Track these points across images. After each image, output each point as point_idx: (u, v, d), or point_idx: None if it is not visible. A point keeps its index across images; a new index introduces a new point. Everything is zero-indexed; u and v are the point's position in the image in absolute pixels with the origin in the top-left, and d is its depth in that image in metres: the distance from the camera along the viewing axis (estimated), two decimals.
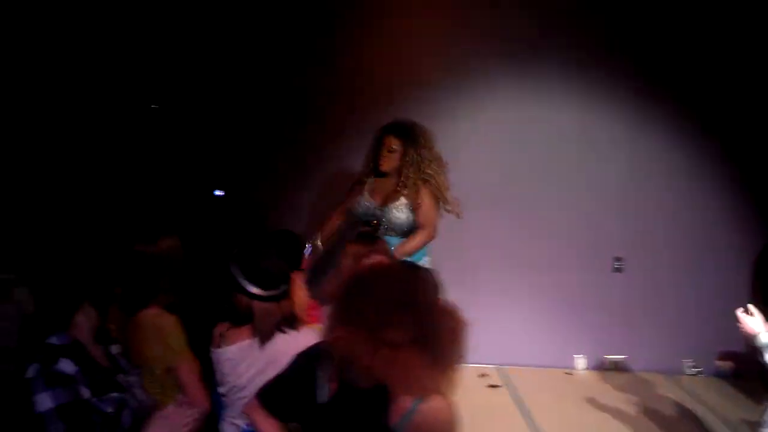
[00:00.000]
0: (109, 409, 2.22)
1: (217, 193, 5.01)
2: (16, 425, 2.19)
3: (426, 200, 4.07)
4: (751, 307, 3.02)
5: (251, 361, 2.72)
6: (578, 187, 5.09)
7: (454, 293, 2.02)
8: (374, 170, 4.20)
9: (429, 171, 4.09)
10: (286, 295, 2.76)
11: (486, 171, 5.09)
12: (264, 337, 2.72)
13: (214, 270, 3.19)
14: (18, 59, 4.49)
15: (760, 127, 4.97)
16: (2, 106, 4.38)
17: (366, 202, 4.18)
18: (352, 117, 4.94)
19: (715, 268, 5.06)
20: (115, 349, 2.52)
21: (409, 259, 3.65)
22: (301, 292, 3.23)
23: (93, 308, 2.35)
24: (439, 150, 4.18)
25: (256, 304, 2.71)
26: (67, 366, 2.16)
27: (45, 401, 2.11)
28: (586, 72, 4.99)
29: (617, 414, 4.35)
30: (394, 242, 4.01)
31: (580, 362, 5.22)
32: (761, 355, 2.88)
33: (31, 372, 2.15)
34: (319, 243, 4.27)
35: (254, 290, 2.69)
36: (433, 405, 1.88)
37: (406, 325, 1.79)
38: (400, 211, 4.07)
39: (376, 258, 3.01)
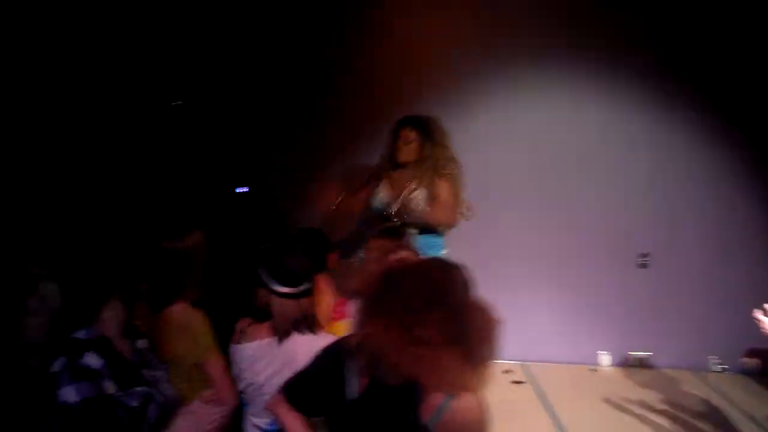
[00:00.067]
0: (134, 404, 2.19)
1: (240, 189, 5.00)
2: (42, 419, 2.17)
3: (444, 188, 4.04)
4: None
5: (269, 360, 2.69)
6: (604, 183, 5.01)
7: (478, 289, 1.97)
8: (391, 162, 4.18)
9: (445, 164, 4.07)
10: (307, 294, 2.72)
11: (510, 169, 5.05)
12: (281, 334, 2.68)
13: (239, 265, 3.17)
14: (49, 57, 4.50)
15: None
16: (34, 103, 4.40)
17: (382, 194, 4.16)
18: (372, 115, 4.87)
19: (742, 265, 4.96)
20: (141, 343, 2.49)
21: (427, 251, 3.60)
22: (327, 297, 3.19)
23: (120, 303, 2.33)
24: (455, 150, 4.15)
25: (275, 300, 2.68)
26: (92, 360, 2.13)
27: (69, 395, 2.08)
28: (612, 68, 4.91)
29: (641, 411, 4.27)
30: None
31: (605, 359, 5.15)
32: None
33: (56, 366, 2.12)
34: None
35: (273, 285, 2.66)
36: (463, 403, 1.84)
37: (438, 322, 1.75)
38: (417, 201, 4.03)
39: (401, 253, 2.97)
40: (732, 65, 4.83)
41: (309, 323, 2.72)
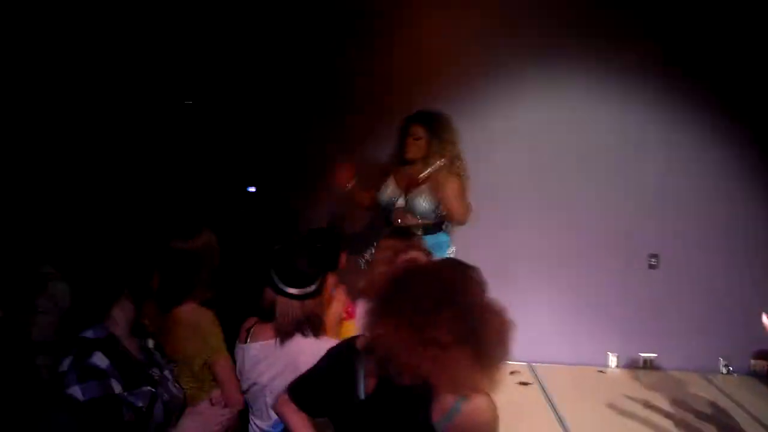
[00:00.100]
0: (141, 404, 2.17)
1: (250, 189, 4.99)
2: (49, 418, 2.16)
3: (452, 186, 4.01)
4: None
5: (272, 361, 2.68)
6: (614, 184, 4.99)
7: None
8: (399, 158, 4.17)
9: (453, 161, 4.06)
10: (313, 296, 2.70)
11: (520, 169, 5.03)
12: (283, 335, 2.67)
13: (249, 265, 3.16)
14: (61, 57, 4.50)
15: None
16: (46, 102, 4.41)
17: (389, 190, 4.14)
18: (381, 114, 4.86)
19: (751, 267, 4.92)
20: (149, 343, 2.48)
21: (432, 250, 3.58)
22: (339, 305, 3.17)
23: (129, 302, 2.31)
24: (462, 148, 4.15)
25: (280, 300, 2.67)
26: (100, 360, 2.11)
27: (76, 395, 2.07)
28: (623, 70, 4.89)
29: (648, 413, 4.24)
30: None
31: (612, 360, 5.12)
32: None
33: (64, 365, 2.09)
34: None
35: (279, 285, 2.65)
36: (475, 404, 1.81)
37: (449, 323, 1.74)
38: (423, 200, 4.02)
39: (412, 253, 2.95)
40: (741, 63, 4.80)
41: (313, 326, 2.70)
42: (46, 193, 4.14)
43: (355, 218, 4.88)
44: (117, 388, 2.11)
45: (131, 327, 2.33)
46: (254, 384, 2.76)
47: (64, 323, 2.55)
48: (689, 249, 4.98)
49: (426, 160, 4.09)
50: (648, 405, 4.37)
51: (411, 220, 4.10)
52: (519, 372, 4.87)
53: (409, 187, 4.14)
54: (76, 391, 2.05)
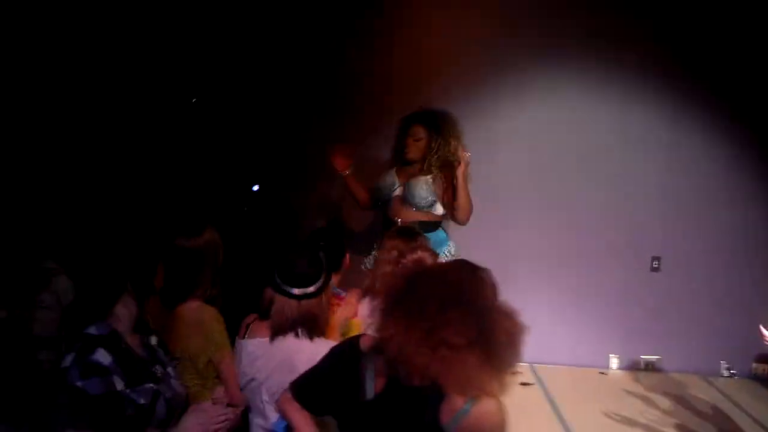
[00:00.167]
0: (143, 401, 2.15)
1: (254, 188, 4.97)
2: (52, 413, 2.14)
3: (460, 177, 3.96)
4: None
5: (268, 359, 2.66)
6: (615, 185, 4.96)
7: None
8: (400, 159, 4.14)
9: (454, 159, 3.99)
10: (311, 296, 2.67)
11: (521, 170, 5.01)
12: (275, 333, 2.65)
13: (251, 262, 3.14)
14: (65, 53, 4.48)
15: None
16: (48, 97, 4.39)
17: (389, 178, 4.13)
18: (383, 113, 4.80)
19: (754, 269, 4.90)
20: (153, 340, 2.46)
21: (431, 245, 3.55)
22: (349, 308, 3.14)
23: (132, 299, 2.29)
24: (466, 138, 4.12)
25: (277, 299, 2.65)
26: (103, 356, 2.07)
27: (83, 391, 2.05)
28: (626, 70, 4.86)
29: (650, 415, 4.21)
30: None
31: (614, 362, 5.09)
32: None
33: (66, 362, 2.06)
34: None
35: (278, 283, 2.63)
36: (485, 407, 1.78)
37: (462, 325, 1.71)
38: (421, 188, 4.00)
39: (418, 253, 2.93)
40: (742, 63, 4.78)
41: (309, 326, 2.67)
42: (50, 189, 4.12)
43: (356, 218, 4.86)
44: (119, 384, 2.08)
45: (134, 324, 2.31)
46: (252, 380, 2.74)
47: (66, 319, 2.53)
48: (691, 250, 4.96)
49: (428, 159, 4.06)
50: (649, 407, 4.34)
51: (409, 214, 4.06)
52: (520, 372, 4.85)
53: (408, 178, 4.12)
54: (81, 386, 2.03)
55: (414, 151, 4.09)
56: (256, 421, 2.76)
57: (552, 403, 4.41)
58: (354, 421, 1.99)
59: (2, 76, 4.15)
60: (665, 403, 4.44)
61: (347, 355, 2.05)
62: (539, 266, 5.04)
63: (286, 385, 2.29)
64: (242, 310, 2.97)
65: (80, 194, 4.22)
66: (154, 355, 2.39)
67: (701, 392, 4.67)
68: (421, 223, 3.98)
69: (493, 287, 1.84)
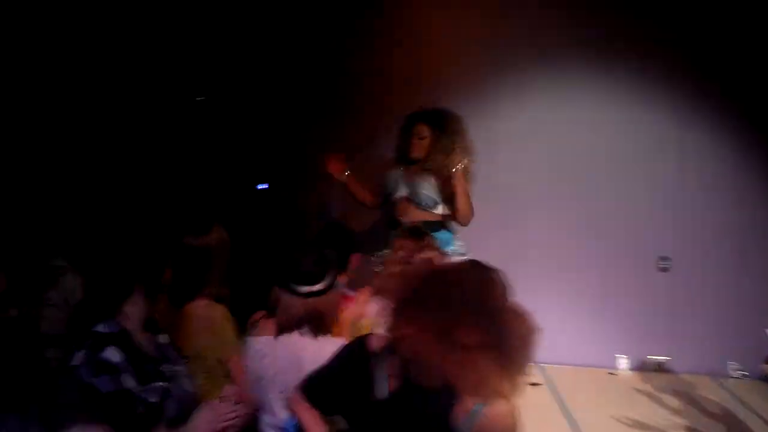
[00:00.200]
0: (153, 399, 2.14)
1: (261, 186, 4.97)
2: (61, 410, 2.14)
3: (457, 184, 3.95)
4: None
5: (275, 356, 2.64)
6: (625, 185, 4.94)
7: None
8: (404, 158, 4.13)
9: (458, 158, 3.97)
10: (316, 294, 2.65)
11: (529, 169, 4.99)
12: (280, 329, 2.64)
13: (259, 261, 3.13)
14: (73, 52, 4.49)
15: None
16: (58, 96, 4.40)
17: (393, 177, 4.12)
18: (390, 112, 4.76)
19: (764, 269, 4.85)
20: (162, 338, 2.45)
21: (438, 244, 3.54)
22: (360, 307, 3.13)
23: (142, 297, 2.29)
24: (470, 138, 4.08)
25: (282, 296, 2.63)
26: (113, 355, 2.07)
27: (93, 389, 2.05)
28: (633, 69, 4.83)
29: (659, 415, 4.18)
30: None
31: (623, 362, 5.06)
32: None
33: (76, 360, 2.06)
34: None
35: (284, 281, 2.61)
36: (497, 409, 1.77)
37: (475, 326, 1.69)
38: (426, 189, 4.00)
39: (428, 253, 2.91)
40: (755, 64, 4.74)
41: (314, 325, 2.66)
42: (59, 187, 4.13)
43: (361, 218, 4.84)
44: (130, 383, 2.08)
45: (144, 322, 2.31)
46: (260, 378, 2.73)
47: (75, 317, 2.53)
48: (701, 251, 4.92)
49: (432, 158, 4.05)
50: (658, 408, 4.31)
51: (414, 213, 4.05)
52: (529, 372, 4.82)
53: (413, 177, 4.11)
54: (91, 384, 2.03)
55: (418, 150, 4.07)
56: (266, 419, 2.75)
57: (561, 403, 4.38)
58: (365, 421, 1.97)
59: (13, 75, 4.16)
60: (675, 404, 4.41)
61: (357, 355, 2.03)
62: (547, 266, 5.01)
63: (294, 382, 2.28)
64: (250, 308, 2.96)
65: (89, 193, 4.23)
66: (164, 353, 2.38)
67: (711, 393, 4.63)
68: (426, 222, 3.96)
69: (505, 288, 1.83)
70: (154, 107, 4.74)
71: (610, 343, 5.04)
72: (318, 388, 2.15)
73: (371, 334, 2.08)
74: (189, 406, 2.39)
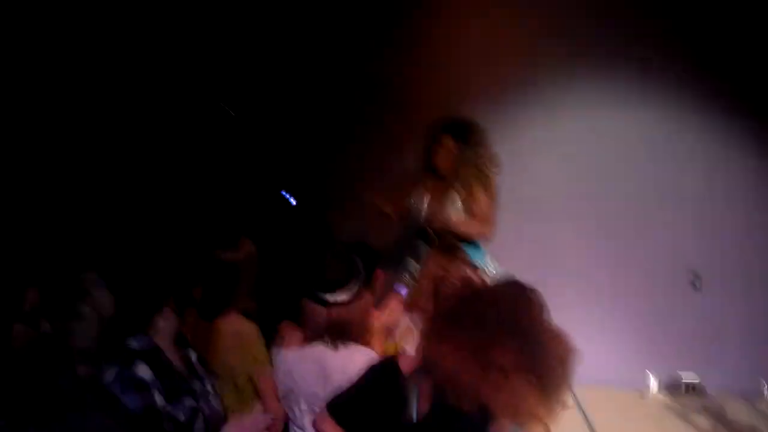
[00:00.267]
0: (182, 417, 2.13)
1: (290, 198, 4.98)
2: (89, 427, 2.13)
3: (481, 197, 3.94)
4: None
5: (303, 367, 2.62)
6: (655, 198, 4.82)
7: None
8: (428, 169, 4.10)
9: (484, 170, 3.96)
10: (341, 304, 2.63)
11: (558, 181, 4.91)
12: (307, 339, 2.63)
13: (287, 275, 3.12)
14: (101, 66, 4.54)
15: None
16: (88, 113, 4.45)
17: (415, 202, 4.07)
18: (417, 124, 4.69)
19: None
20: (192, 354, 2.45)
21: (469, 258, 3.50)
22: (392, 314, 3.11)
23: (173, 312, 2.28)
24: (495, 150, 4.06)
25: (307, 305, 2.61)
26: (143, 371, 2.08)
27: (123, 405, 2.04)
28: (666, 81, 4.74)
29: None
30: None
31: (653, 382, 4.96)
32: None
33: (108, 376, 2.07)
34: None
35: (308, 289, 2.60)
36: None
37: (513, 348, 1.65)
38: (450, 209, 3.97)
39: (462, 270, 2.88)
40: None
41: (339, 334, 2.63)
42: (91, 202, 4.17)
43: (387, 232, 4.81)
44: (159, 400, 2.07)
45: (174, 337, 2.31)
46: (290, 390, 2.71)
47: (107, 332, 2.53)
48: (734, 267, 4.79)
49: (455, 170, 4.02)
50: (690, 429, 4.20)
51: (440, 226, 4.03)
52: (565, 395, 4.73)
53: (436, 198, 4.08)
54: (121, 400, 2.03)
55: (443, 161, 4.05)
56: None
57: (590, 425, 4.28)
58: None
59: (47, 92, 4.22)
60: (706, 425, 4.27)
61: (387, 375, 2.00)
62: (573, 282, 4.89)
63: (321, 394, 2.26)
64: (279, 321, 2.95)
65: (121, 207, 4.26)
66: (194, 369, 2.38)
67: (744, 415, 4.47)
68: (456, 236, 3.94)
69: (542, 308, 1.79)
70: (184, 124, 4.77)
71: (641, 363, 4.92)
72: (346, 408, 2.12)
73: (401, 354, 2.05)
74: (217, 424, 2.38)
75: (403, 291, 3.60)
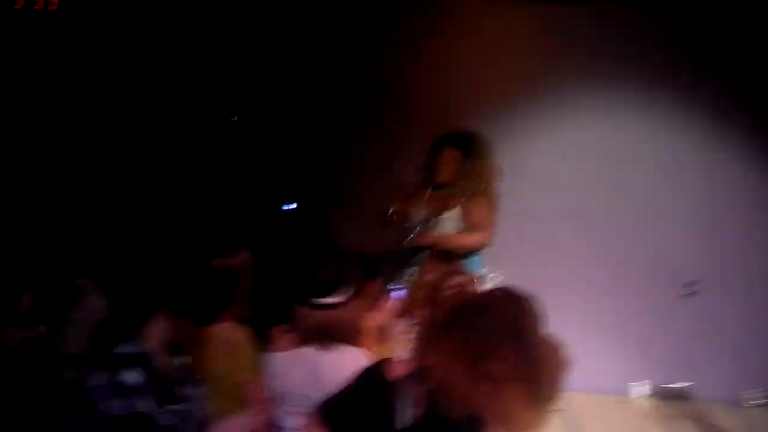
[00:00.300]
0: (170, 422, 2.14)
1: (287, 206, 4.96)
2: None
3: (481, 207, 3.92)
4: None
5: (295, 370, 2.61)
6: (649, 206, 4.86)
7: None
8: (431, 180, 4.10)
9: (486, 182, 3.95)
10: (331, 307, 2.61)
11: (555, 190, 4.93)
12: (298, 342, 2.62)
13: (283, 282, 3.12)
14: (98, 70, 4.53)
15: None
16: (85, 119, 4.44)
17: (419, 212, 4.06)
18: (418, 130, 4.70)
19: None
20: (182, 360, 2.44)
21: (467, 266, 3.50)
22: (383, 314, 3.11)
23: (165, 318, 2.28)
24: (496, 161, 4.05)
25: (299, 308, 2.61)
26: (133, 377, 2.07)
27: (108, 410, 2.04)
28: (664, 93, 4.78)
29: None
30: None
31: (641, 389, 4.98)
32: None
33: (97, 380, 2.06)
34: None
35: (299, 293, 2.59)
36: None
37: (510, 359, 1.65)
38: (448, 225, 3.94)
39: (458, 278, 2.88)
40: None
41: (331, 338, 2.64)
42: (86, 208, 4.15)
43: (386, 236, 4.81)
44: (149, 405, 2.08)
45: (166, 343, 2.30)
46: (281, 393, 2.70)
47: (98, 337, 2.53)
48: (724, 277, 4.82)
49: (456, 182, 4.03)
50: None
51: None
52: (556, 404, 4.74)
53: (437, 208, 4.06)
54: (108, 406, 2.02)
55: (446, 173, 4.04)
56: None
57: (575, 431, 4.31)
58: None
59: (41, 93, 4.21)
60: (693, 431, 4.34)
61: (377, 381, 1.99)
62: (565, 288, 4.89)
63: (314, 397, 2.25)
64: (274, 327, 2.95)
65: (116, 214, 4.25)
66: (183, 375, 2.37)
67: (729, 423, 4.52)
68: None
69: (539, 318, 1.79)
70: (182, 130, 4.75)
71: (628, 370, 4.96)
72: (335, 412, 2.09)
73: (391, 359, 2.04)
74: (205, 429, 2.37)
75: (399, 294, 3.62)
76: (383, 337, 2.99)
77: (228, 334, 2.75)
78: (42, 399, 2.31)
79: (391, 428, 1.87)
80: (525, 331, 1.71)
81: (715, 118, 4.77)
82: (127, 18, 4.58)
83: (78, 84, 4.42)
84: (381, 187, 4.66)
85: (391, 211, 4.04)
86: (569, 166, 4.95)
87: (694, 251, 4.85)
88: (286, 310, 2.79)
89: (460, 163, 3.99)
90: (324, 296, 2.60)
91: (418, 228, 4.06)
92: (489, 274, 3.97)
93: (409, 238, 4.13)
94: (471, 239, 3.96)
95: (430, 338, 1.78)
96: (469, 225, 3.97)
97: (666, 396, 4.92)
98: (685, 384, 4.89)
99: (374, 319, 3.00)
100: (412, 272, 3.89)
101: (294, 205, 4.96)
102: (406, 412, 1.85)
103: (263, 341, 2.85)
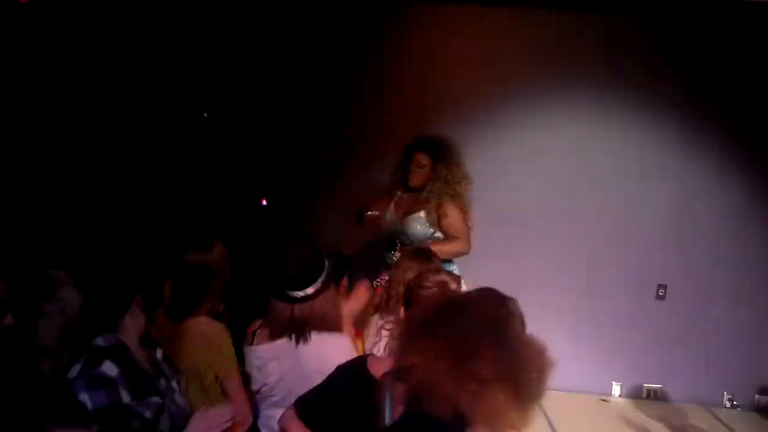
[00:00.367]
0: (148, 414, 2.09)
1: (266, 203, 4.93)
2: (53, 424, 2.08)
3: (453, 213, 3.95)
4: None
5: (277, 362, 2.63)
6: (625, 213, 4.91)
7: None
8: (403, 184, 4.08)
9: (456, 187, 3.98)
10: (303, 300, 2.62)
11: (529, 194, 4.94)
12: (275, 334, 2.64)
13: (258, 277, 3.08)
14: (80, 71, 4.47)
15: None
16: (58, 107, 4.37)
17: (389, 217, 4.08)
18: (395, 131, 4.75)
19: (758, 301, 4.83)
20: (158, 353, 2.40)
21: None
22: (358, 302, 3.09)
23: (141, 311, 2.23)
24: (467, 167, 4.08)
25: (272, 302, 2.64)
26: (109, 369, 2.03)
27: (84, 403, 1.99)
28: (636, 96, 4.82)
29: None
30: None
31: (617, 389, 5.01)
32: None
33: (73, 372, 2.03)
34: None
35: (272, 286, 2.62)
36: None
37: (494, 359, 1.62)
38: (419, 223, 3.96)
39: (440, 277, 2.85)
40: (759, 96, 4.73)
41: (307, 329, 2.62)
42: (61, 198, 4.10)
43: (359, 239, 4.79)
44: (125, 397, 2.04)
45: (141, 336, 2.25)
46: (264, 385, 2.71)
47: (73, 329, 2.47)
48: (698, 281, 4.89)
49: (430, 187, 4.02)
50: None
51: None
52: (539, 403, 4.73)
53: (406, 212, 4.09)
54: (83, 399, 1.97)
55: (417, 179, 4.07)
56: (272, 424, 2.69)
57: (552, 430, 4.31)
58: None
59: (14, 81, 4.14)
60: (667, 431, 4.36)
61: (358, 379, 1.97)
62: (542, 290, 4.93)
63: (295, 388, 2.22)
64: (251, 320, 2.92)
65: (91, 204, 4.19)
66: (160, 368, 2.33)
67: (703, 423, 4.59)
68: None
69: (521, 319, 1.77)
70: (157, 121, 4.69)
71: (605, 370, 4.98)
72: (314, 409, 2.08)
73: (371, 356, 2.01)
74: (183, 421, 2.34)
75: (374, 284, 3.60)
76: (358, 325, 2.99)
77: (203, 329, 2.70)
78: (17, 391, 2.23)
79: (372, 426, 1.85)
80: (507, 331, 1.70)
81: (692, 126, 4.84)
82: (102, 13, 4.52)
83: (46, 77, 4.35)
84: (360, 187, 4.70)
85: (367, 213, 4.05)
86: (544, 169, 4.96)
87: (666, 256, 4.89)
88: (261, 303, 2.77)
89: (431, 169, 3.99)
90: (297, 289, 2.58)
91: (390, 237, 4.06)
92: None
93: (387, 241, 4.14)
94: (453, 247, 3.96)
95: (412, 337, 1.75)
96: (441, 229, 3.97)
97: (644, 396, 4.95)
98: (658, 385, 4.93)
99: (347, 306, 3.00)
100: (388, 263, 3.89)
101: (264, 202, 4.92)
102: (389, 410, 1.83)
103: (240, 336, 2.81)
